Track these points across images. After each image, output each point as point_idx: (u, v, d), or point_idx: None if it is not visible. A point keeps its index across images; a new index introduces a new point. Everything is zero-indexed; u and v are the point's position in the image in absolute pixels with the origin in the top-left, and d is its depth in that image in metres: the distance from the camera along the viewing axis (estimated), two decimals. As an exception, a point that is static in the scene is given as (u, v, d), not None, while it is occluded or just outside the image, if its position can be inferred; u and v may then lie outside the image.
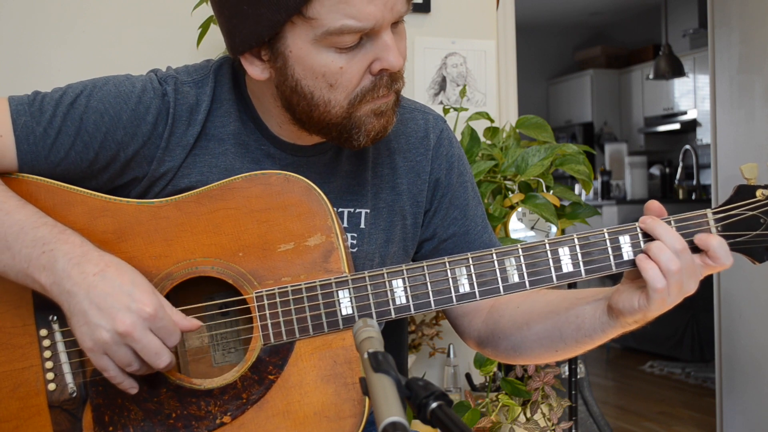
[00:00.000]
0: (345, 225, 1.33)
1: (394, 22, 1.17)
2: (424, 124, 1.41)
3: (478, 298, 1.19)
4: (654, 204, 1.19)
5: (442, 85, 2.56)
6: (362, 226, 1.34)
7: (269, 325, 1.18)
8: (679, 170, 7.27)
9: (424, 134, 1.40)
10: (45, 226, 1.14)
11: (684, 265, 1.13)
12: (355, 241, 1.33)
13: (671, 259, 1.12)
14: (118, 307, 1.07)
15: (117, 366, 1.11)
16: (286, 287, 1.18)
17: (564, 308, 1.27)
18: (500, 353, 1.37)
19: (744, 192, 1.19)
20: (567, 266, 1.19)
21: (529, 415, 2.06)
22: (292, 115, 1.23)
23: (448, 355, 2.35)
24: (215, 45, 2.19)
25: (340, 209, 1.33)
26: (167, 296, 1.20)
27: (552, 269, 1.19)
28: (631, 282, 1.18)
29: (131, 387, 1.14)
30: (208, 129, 1.27)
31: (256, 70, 1.20)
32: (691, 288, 1.15)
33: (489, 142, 2.26)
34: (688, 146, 7.14)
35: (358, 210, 1.34)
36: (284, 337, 1.18)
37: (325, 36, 1.12)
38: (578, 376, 2.45)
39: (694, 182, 7.27)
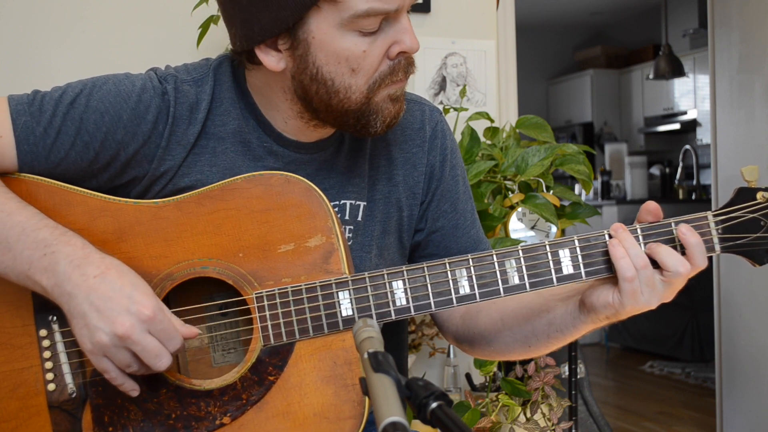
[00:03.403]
0: (347, 217, 1.33)
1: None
2: (420, 115, 1.41)
3: (478, 299, 1.19)
4: (651, 204, 1.19)
5: (442, 85, 2.56)
6: (359, 218, 1.34)
7: (269, 326, 1.18)
8: (679, 170, 7.27)
9: (420, 125, 1.40)
10: (46, 228, 1.14)
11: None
12: (351, 234, 1.33)
13: (639, 255, 1.13)
14: (118, 310, 1.07)
15: (117, 368, 1.11)
16: (286, 288, 1.18)
17: (537, 304, 1.28)
18: (475, 349, 1.39)
19: (744, 194, 1.19)
20: (567, 268, 1.19)
21: (529, 415, 2.06)
22: (307, 106, 1.23)
23: (448, 355, 2.35)
24: (215, 45, 2.19)
25: (342, 201, 1.33)
26: (167, 296, 1.20)
27: (552, 271, 1.19)
28: (605, 278, 1.18)
29: (132, 389, 1.14)
30: (209, 128, 1.27)
31: (272, 60, 1.20)
32: (670, 295, 1.15)
33: (489, 142, 2.26)
34: (688, 146, 7.13)
35: (357, 202, 1.34)
36: (284, 338, 1.18)
37: (352, 19, 1.13)
38: (578, 376, 2.45)
39: (694, 182, 7.27)
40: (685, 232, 1.15)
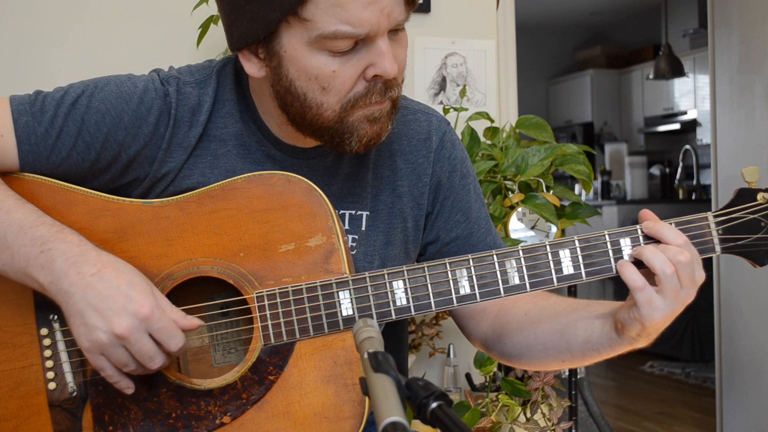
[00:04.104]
0: (346, 227, 1.32)
1: (394, 30, 1.16)
2: (427, 125, 1.40)
3: (478, 299, 1.19)
4: (647, 213, 1.19)
5: (442, 85, 2.56)
6: (363, 228, 1.34)
7: (269, 325, 1.18)
8: (679, 170, 7.27)
9: (427, 136, 1.39)
10: (43, 225, 1.14)
11: (684, 262, 1.12)
12: (354, 243, 1.33)
13: (665, 262, 1.12)
14: (115, 309, 1.07)
15: (114, 366, 1.11)
16: (287, 288, 1.18)
17: (573, 320, 1.26)
18: (505, 358, 1.38)
19: (745, 195, 1.19)
20: (568, 268, 1.19)
21: (529, 415, 2.06)
22: (287, 116, 1.23)
23: (448, 355, 2.35)
24: (215, 45, 2.19)
25: (341, 211, 1.32)
26: (168, 296, 1.20)
27: (552, 271, 1.19)
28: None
29: (127, 387, 1.14)
30: (210, 130, 1.27)
31: (253, 67, 1.20)
32: (690, 294, 1.14)
33: (489, 142, 2.26)
34: (688, 146, 7.14)
35: (359, 212, 1.34)
36: (284, 338, 1.18)
37: (319, 39, 1.11)
38: (578, 376, 2.45)
39: (694, 182, 7.27)
40: (651, 225, 1.16)
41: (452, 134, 1.43)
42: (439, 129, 1.40)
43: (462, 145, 1.45)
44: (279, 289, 1.18)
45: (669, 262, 1.12)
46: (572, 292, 2.38)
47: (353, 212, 1.33)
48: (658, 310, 1.13)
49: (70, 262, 1.10)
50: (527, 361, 1.34)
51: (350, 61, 1.14)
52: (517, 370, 2.11)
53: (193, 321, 1.13)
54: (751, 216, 1.18)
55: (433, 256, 1.41)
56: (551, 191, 2.19)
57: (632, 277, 1.13)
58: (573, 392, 2.35)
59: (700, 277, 1.15)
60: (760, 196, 1.19)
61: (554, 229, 2.14)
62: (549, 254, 1.19)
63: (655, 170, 7.91)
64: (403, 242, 1.37)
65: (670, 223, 1.18)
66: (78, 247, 1.12)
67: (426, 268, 1.19)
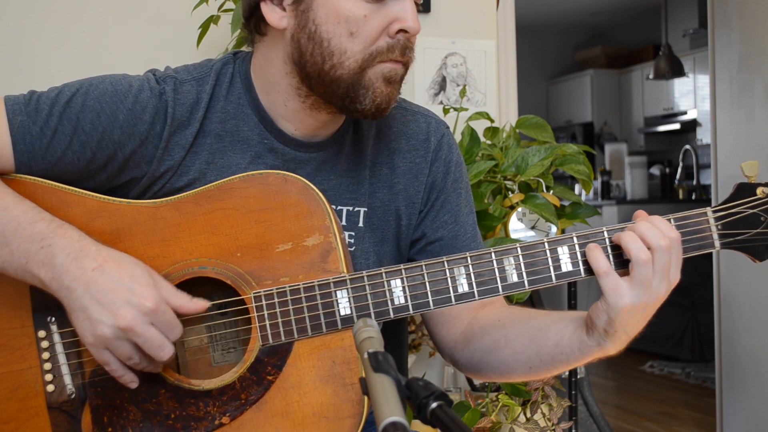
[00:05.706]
0: (344, 223, 1.33)
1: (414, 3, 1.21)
2: (426, 127, 1.41)
3: (476, 297, 1.18)
4: (641, 213, 1.18)
5: (442, 85, 2.56)
6: (360, 224, 1.34)
7: (267, 325, 1.18)
8: (679, 170, 7.27)
9: (425, 137, 1.40)
10: (42, 221, 1.14)
11: (664, 251, 1.12)
12: (352, 240, 1.33)
13: (641, 249, 1.11)
14: (119, 303, 1.08)
15: (118, 360, 1.12)
16: (285, 288, 1.18)
17: (546, 324, 1.25)
18: (472, 366, 1.36)
19: (744, 190, 1.19)
20: (566, 265, 1.18)
21: (529, 415, 2.06)
22: (302, 73, 1.23)
23: (448, 355, 2.35)
24: (215, 45, 2.19)
25: (339, 207, 1.33)
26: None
27: (551, 268, 1.18)
28: None
29: (131, 381, 1.14)
30: (206, 126, 1.27)
31: (275, 17, 1.22)
32: (662, 288, 1.13)
33: (489, 142, 2.26)
34: (688, 146, 7.14)
35: (357, 208, 1.34)
36: (282, 338, 1.18)
37: None
38: (578, 376, 2.45)
39: (694, 182, 7.26)
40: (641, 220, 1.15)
41: (450, 137, 1.43)
42: (437, 131, 1.41)
43: (459, 150, 1.45)
44: (277, 289, 1.18)
45: (645, 249, 1.11)
46: (572, 292, 2.38)
47: (351, 208, 1.33)
48: (624, 297, 1.11)
49: (71, 257, 1.10)
50: (493, 367, 1.32)
51: (380, 11, 1.19)
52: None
53: (201, 303, 1.14)
54: (751, 211, 1.18)
55: (417, 254, 1.41)
56: (551, 191, 2.19)
57: (597, 262, 1.13)
58: (573, 392, 2.35)
59: (675, 276, 1.14)
60: (759, 190, 1.18)
61: (554, 229, 2.14)
62: (547, 251, 1.18)
63: (655, 170, 7.91)
64: (396, 239, 1.38)
65: (669, 219, 1.17)
66: (78, 242, 1.12)
67: (424, 267, 1.19)
